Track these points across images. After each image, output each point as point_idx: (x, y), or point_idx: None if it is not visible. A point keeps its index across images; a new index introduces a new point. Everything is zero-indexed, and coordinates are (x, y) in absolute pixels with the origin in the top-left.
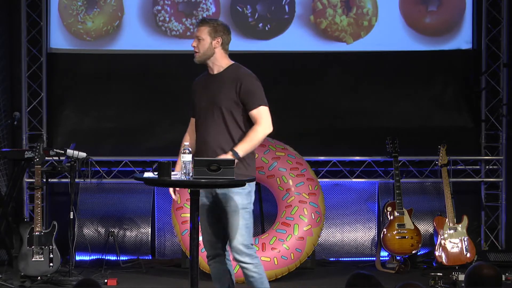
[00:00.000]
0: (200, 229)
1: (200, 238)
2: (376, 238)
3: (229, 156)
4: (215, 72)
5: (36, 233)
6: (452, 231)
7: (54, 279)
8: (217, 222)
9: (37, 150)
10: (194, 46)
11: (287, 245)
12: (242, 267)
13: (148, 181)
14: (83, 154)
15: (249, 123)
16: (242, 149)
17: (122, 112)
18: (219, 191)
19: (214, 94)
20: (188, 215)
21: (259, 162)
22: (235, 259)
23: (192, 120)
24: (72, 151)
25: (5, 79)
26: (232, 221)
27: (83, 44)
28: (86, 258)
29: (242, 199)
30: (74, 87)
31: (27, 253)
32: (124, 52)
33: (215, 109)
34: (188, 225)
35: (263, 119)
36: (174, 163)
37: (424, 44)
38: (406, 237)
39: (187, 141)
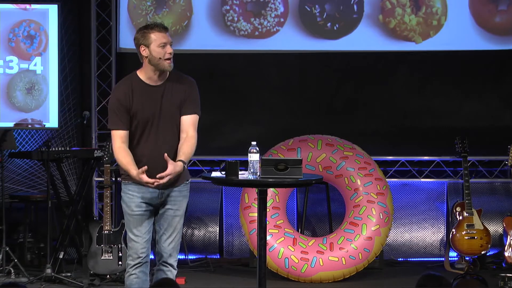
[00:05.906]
0: (136, 233)
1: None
2: (445, 239)
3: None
4: (163, 81)
5: (105, 231)
6: None
7: (123, 278)
8: (151, 225)
9: (106, 149)
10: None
11: (355, 245)
12: (170, 270)
13: (216, 180)
14: None
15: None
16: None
17: None
18: (175, 193)
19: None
20: (256, 214)
21: (327, 161)
22: (168, 264)
23: (123, 133)
24: None
25: (75, 79)
26: (178, 226)
27: None
28: None
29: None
30: None
31: (96, 252)
32: (193, 52)
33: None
34: (255, 224)
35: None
36: (242, 163)
37: (493, 43)
38: (475, 237)
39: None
